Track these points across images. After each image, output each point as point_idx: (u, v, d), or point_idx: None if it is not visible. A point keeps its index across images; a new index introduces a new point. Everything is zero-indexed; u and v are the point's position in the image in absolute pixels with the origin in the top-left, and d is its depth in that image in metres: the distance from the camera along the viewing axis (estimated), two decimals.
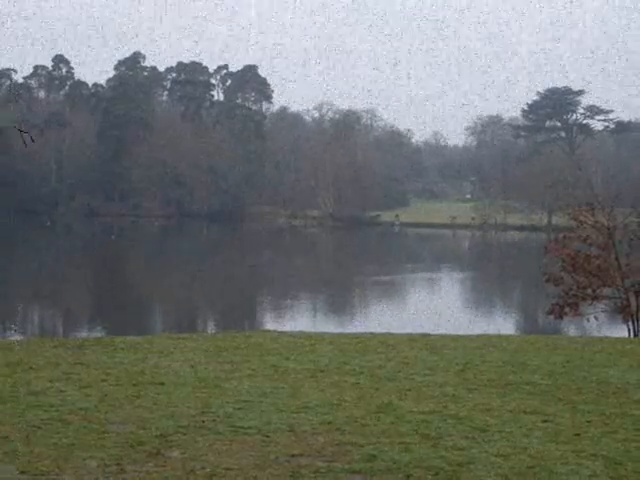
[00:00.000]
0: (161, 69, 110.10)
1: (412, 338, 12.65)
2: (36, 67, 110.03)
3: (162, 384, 8.17)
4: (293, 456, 5.84)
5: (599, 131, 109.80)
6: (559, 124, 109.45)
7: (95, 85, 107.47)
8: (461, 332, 15.95)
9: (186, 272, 43.82)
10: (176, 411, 7.06)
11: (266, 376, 8.77)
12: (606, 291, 18.90)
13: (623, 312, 18.37)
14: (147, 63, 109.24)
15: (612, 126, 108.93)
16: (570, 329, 23.83)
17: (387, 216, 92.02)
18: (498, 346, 11.77)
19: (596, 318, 19.40)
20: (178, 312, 31.04)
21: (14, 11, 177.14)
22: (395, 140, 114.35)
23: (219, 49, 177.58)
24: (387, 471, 5.54)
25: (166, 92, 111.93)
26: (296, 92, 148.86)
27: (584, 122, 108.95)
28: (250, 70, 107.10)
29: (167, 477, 5.34)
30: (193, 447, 6.00)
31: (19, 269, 43.39)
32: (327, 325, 24.26)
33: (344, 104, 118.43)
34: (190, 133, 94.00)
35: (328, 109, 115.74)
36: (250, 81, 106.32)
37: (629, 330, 18.21)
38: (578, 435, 6.59)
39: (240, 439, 6.23)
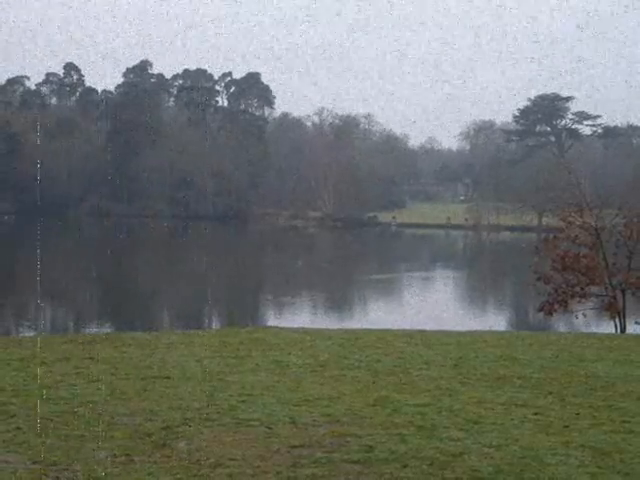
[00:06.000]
0: (168, 76, 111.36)
1: (408, 334, 12.86)
2: (48, 74, 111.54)
3: (169, 378, 8.35)
4: (294, 447, 6.00)
5: (587, 136, 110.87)
6: (549, 129, 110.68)
7: (105, 92, 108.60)
8: (455, 328, 16.16)
9: (191, 270, 43.79)
10: (182, 404, 7.24)
11: (268, 370, 8.96)
12: (594, 289, 19.21)
13: (610, 309, 18.70)
14: (154, 70, 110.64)
15: (600, 131, 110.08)
16: (559, 325, 24.03)
17: (384, 217, 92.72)
18: (490, 342, 11.98)
19: (584, 315, 19.67)
20: (184, 309, 31.16)
21: (26, 20, 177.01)
22: (392, 144, 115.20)
23: (223, 57, 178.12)
24: (384, 461, 5.71)
25: (172, 98, 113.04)
26: (297, 98, 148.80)
27: (573, 127, 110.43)
28: (253, 77, 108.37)
29: (174, 467, 5.49)
30: (198, 438, 6.17)
31: (30, 268, 43.33)
32: (327, 321, 24.39)
33: (343, 110, 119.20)
34: (196, 137, 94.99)
35: (328, 114, 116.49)
36: (253, 88, 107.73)
37: (616, 326, 18.55)
38: (567, 427, 6.77)
39: (243, 431, 6.39)
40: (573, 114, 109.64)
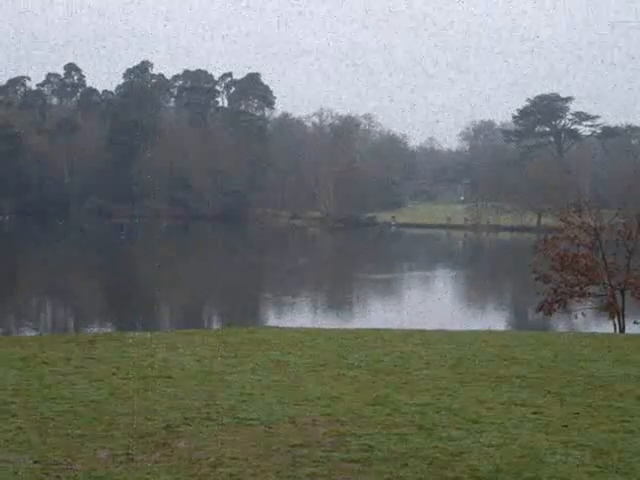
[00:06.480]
0: (168, 77, 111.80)
1: (408, 333, 12.91)
2: (49, 75, 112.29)
3: (169, 377, 8.38)
4: (294, 446, 6.02)
5: (587, 136, 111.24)
6: (548, 129, 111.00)
7: (105, 92, 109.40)
8: (455, 328, 16.20)
9: (191, 270, 43.89)
10: (182, 403, 7.27)
11: (268, 370, 8.99)
12: (593, 289, 19.28)
13: (609, 309, 18.76)
14: (154, 71, 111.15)
15: (599, 131, 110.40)
16: (559, 325, 24.11)
17: (384, 217, 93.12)
18: (490, 341, 12.00)
19: (583, 315, 19.75)
20: (184, 308, 31.22)
21: (27, 20, 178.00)
22: (392, 145, 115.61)
23: (224, 57, 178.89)
24: (384, 461, 5.72)
25: (173, 99, 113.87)
26: (297, 98, 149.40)
27: (572, 127, 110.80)
28: (253, 78, 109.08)
29: (174, 466, 5.51)
30: (198, 438, 6.19)
31: (30, 267, 43.54)
32: (327, 321, 24.44)
33: (343, 110, 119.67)
34: (196, 138, 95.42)
35: (328, 115, 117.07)
36: (253, 88, 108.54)
37: (615, 326, 18.59)
38: (566, 426, 6.78)
39: (243, 430, 6.41)
40: (572, 114, 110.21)
